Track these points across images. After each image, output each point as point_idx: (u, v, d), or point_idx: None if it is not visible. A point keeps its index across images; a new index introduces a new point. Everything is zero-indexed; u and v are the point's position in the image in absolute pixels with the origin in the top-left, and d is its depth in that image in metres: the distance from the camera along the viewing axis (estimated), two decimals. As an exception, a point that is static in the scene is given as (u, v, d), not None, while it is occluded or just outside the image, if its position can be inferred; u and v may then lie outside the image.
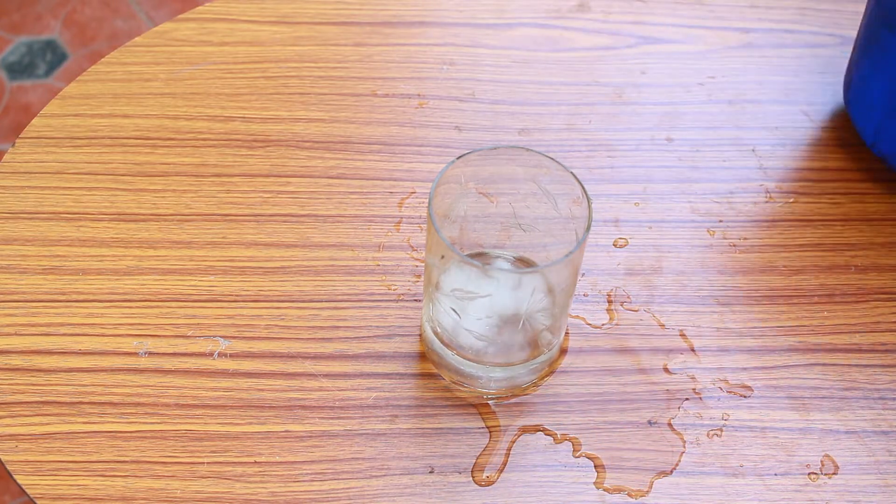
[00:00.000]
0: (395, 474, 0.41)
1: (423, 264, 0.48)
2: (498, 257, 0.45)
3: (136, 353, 0.44)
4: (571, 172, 0.38)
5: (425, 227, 0.50)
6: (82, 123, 0.54)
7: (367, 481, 0.41)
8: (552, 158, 0.38)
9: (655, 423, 0.43)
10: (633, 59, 0.58)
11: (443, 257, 0.37)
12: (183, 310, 0.46)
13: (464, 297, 0.40)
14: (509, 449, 0.42)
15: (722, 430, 0.43)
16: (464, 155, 0.39)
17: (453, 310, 0.40)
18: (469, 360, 0.42)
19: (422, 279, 0.47)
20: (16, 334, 0.45)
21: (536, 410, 0.43)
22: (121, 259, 0.48)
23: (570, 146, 0.53)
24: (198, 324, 0.45)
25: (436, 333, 0.42)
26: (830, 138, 0.55)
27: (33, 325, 0.45)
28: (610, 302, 0.47)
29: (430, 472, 0.41)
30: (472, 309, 0.40)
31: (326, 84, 0.56)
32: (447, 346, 0.42)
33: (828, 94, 0.57)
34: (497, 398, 0.43)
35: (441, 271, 0.40)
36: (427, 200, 0.51)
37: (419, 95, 0.56)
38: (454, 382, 0.43)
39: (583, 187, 0.37)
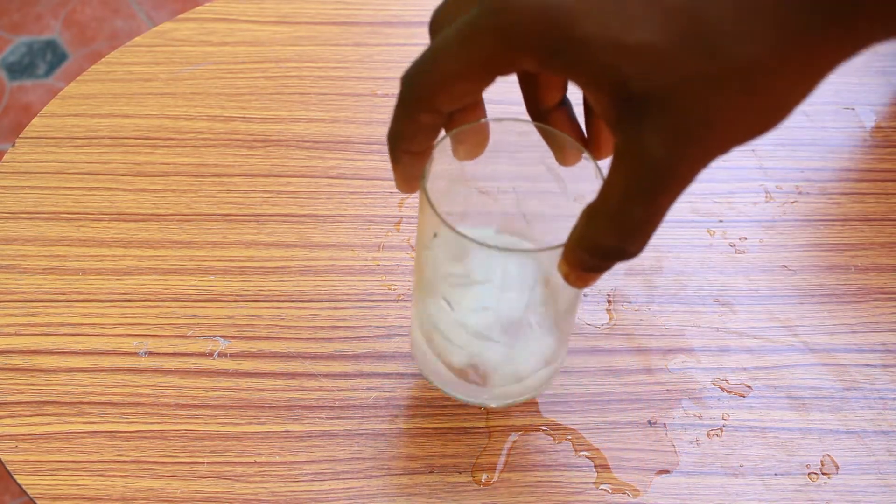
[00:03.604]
0: (395, 474, 0.41)
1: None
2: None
3: (136, 353, 0.44)
4: (579, 147, 0.34)
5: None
6: (82, 123, 0.54)
7: (367, 481, 0.41)
8: (559, 132, 0.34)
9: (655, 423, 0.43)
10: (633, 59, 0.58)
11: (435, 235, 0.34)
12: (183, 310, 0.46)
13: (458, 283, 0.37)
14: (509, 449, 0.42)
15: (722, 430, 0.43)
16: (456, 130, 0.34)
17: (446, 301, 0.37)
18: (465, 369, 0.39)
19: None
20: (16, 334, 0.45)
21: (536, 410, 0.43)
22: (121, 259, 0.48)
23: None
24: (198, 324, 0.45)
25: (428, 339, 0.39)
26: (830, 138, 0.55)
27: (33, 325, 0.45)
28: (610, 302, 0.47)
29: (430, 472, 0.41)
30: (467, 298, 0.37)
31: (326, 84, 0.56)
32: (438, 353, 0.39)
33: (828, 93, 0.57)
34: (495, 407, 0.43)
35: (433, 254, 0.36)
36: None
37: (419, 95, 0.56)
38: (449, 389, 0.41)
39: (597, 166, 0.33)
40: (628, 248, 0.28)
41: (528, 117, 0.33)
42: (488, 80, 0.28)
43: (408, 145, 0.30)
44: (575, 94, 0.33)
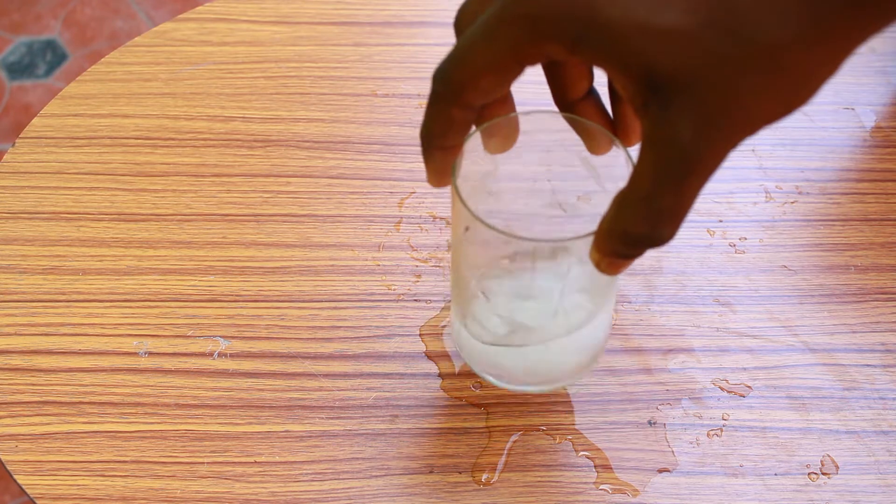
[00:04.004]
0: (395, 474, 0.41)
1: (422, 264, 0.48)
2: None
3: (136, 353, 0.44)
4: (610, 135, 0.33)
5: (425, 227, 0.50)
6: (82, 123, 0.54)
7: (367, 481, 0.41)
8: (593, 124, 0.34)
9: (655, 423, 0.43)
10: (633, 59, 0.58)
11: (467, 229, 0.34)
12: (183, 310, 0.46)
13: (492, 274, 0.37)
14: (509, 449, 0.42)
15: (722, 430, 0.43)
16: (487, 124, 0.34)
17: (482, 293, 0.38)
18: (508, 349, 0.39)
19: (421, 279, 0.47)
20: (16, 334, 0.45)
21: (536, 410, 0.43)
22: (121, 259, 0.48)
23: (571, 145, 0.53)
24: (198, 324, 0.45)
25: (469, 330, 0.39)
26: (830, 138, 0.55)
27: (33, 325, 0.45)
28: (610, 302, 0.47)
29: (430, 472, 0.41)
30: (502, 289, 0.38)
31: (326, 84, 0.56)
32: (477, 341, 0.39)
33: (828, 93, 0.57)
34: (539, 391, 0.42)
35: (467, 247, 0.36)
36: (426, 199, 0.51)
37: (419, 95, 0.56)
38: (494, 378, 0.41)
39: (627, 154, 0.33)
40: (659, 235, 0.28)
41: (555, 109, 0.33)
42: (517, 70, 0.28)
43: (440, 141, 0.31)
44: (599, 84, 0.33)
